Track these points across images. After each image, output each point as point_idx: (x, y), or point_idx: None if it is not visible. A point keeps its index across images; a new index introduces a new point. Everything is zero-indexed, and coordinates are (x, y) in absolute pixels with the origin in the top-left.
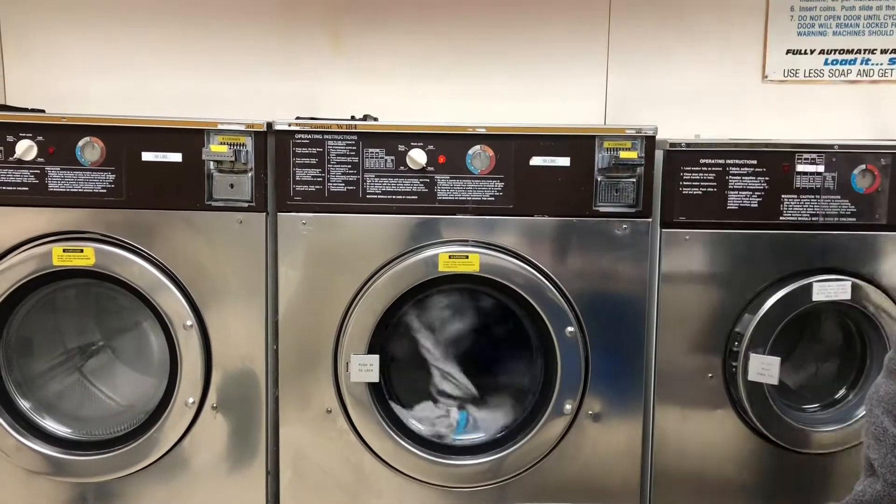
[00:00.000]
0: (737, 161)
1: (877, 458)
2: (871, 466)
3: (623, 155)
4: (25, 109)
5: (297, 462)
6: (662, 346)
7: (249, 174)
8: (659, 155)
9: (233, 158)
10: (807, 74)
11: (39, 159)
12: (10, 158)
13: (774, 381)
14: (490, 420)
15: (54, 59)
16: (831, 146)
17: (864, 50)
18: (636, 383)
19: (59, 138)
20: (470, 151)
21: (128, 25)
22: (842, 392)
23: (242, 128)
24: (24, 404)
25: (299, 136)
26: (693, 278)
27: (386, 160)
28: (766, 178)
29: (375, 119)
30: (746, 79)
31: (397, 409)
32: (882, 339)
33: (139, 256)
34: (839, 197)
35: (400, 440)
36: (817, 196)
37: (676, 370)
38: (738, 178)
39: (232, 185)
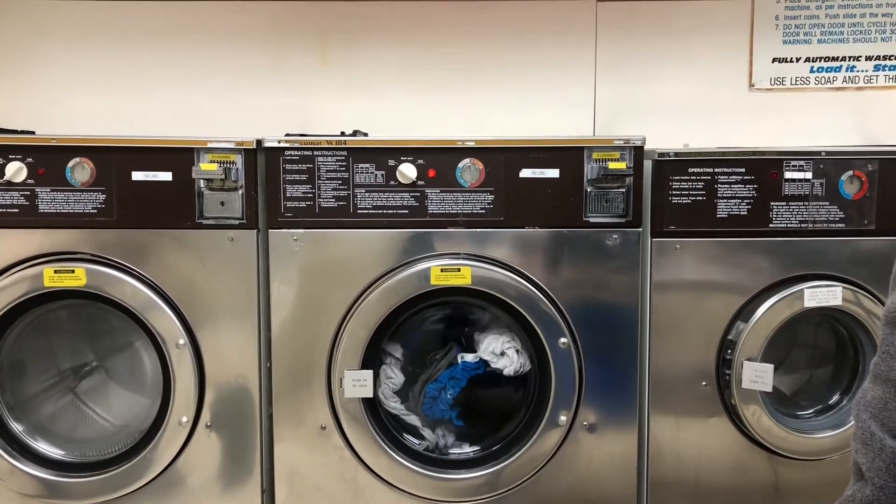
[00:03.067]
0: (725, 169)
1: (865, 462)
2: (860, 471)
3: (612, 165)
4: (15, 131)
5: (292, 479)
6: (656, 355)
7: (240, 192)
8: (648, 165)
9: (223, 176)
10: (793, 82)
11: (29, 181)
12: (0, 181)
13: (768, 389)
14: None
15: (43, 80)
16: (819, 153)
17: (849, 57)
18: (630, 393)
19: (48, 160)
20: (460, 165)
21: (117, 45)
22: (836, 398)
23: (232, 145)
24: (17, 427)
25: (289, 152)
26: (684, 287)
27: (376, 175)
28: (755, 186)
29: (365, 134)
30: (733, 88)
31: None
32: (873, 343)
33: (130, 276)
34: (828, 203)
35: (395, 455)
36: (806, 203)
37: (670, 379)
38: (727, 186)
39: (223, 203)
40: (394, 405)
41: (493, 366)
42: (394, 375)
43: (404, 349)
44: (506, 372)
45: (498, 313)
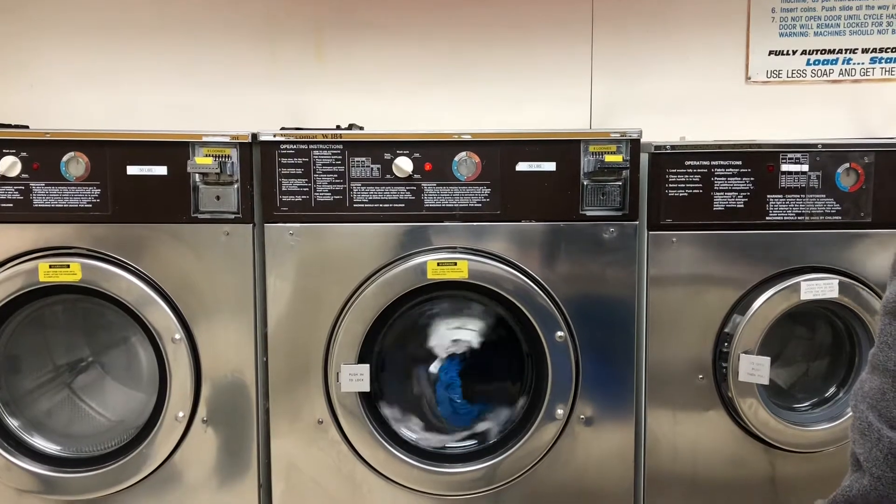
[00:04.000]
0: (722, 162)
1: (862, 452)
2: (858, 462)
3: (608, 158)
4: (9, 125)
5: (289, 474)
6: (652, 348)
7: (235, 186)
8: (644, 158)
9: (218, 170)
10: (789, 75)
11: (24, 175)
12: None
13: (765, 381)
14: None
15: (38, 74)
16: (815, 145)
17: (846, 49)
18: (627, 386)
19: (43, 154)
20: (456, 158)
21: (112, 39)
22: (832, 390)
23: (227, 139)
24: (13, 423)
25: (284, 146)
26: (681, 280)
27: (372, 169)
28: (752, 179)
29: (361, 128)
30: (730, 81)
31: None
32: (870, 335)
33: (126, 271)
34: (824, 195)
35: (392, 449)
36: (802, 195)
37: (667, 372)
38: (724, 179)
39: (218, 197)
40: (438, 442)
41: (458, 354)
42: (416, 431)
43: (401, 407)
44: (476, 344)
45: (493, 306)
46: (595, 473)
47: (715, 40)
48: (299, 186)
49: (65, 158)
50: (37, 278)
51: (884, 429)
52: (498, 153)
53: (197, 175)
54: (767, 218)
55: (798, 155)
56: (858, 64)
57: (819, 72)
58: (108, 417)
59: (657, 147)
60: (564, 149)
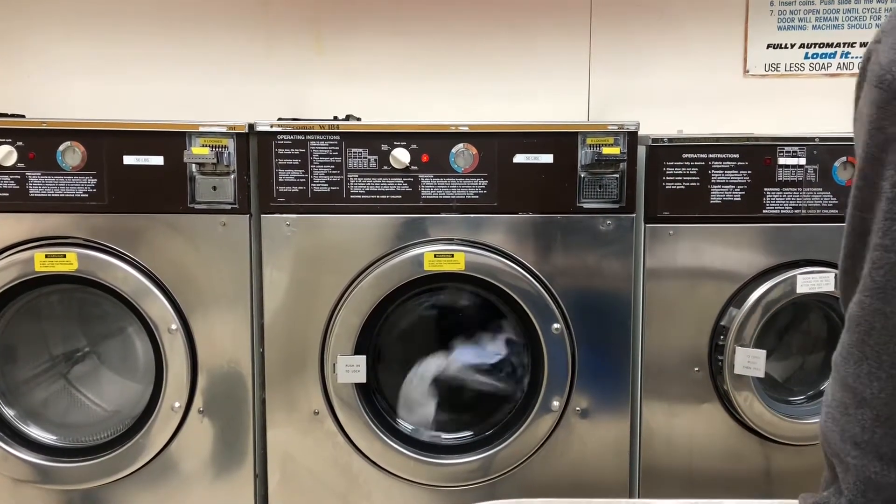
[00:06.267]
0: (719, 155)
1: (837, 468)
2: (833, 467)
3: (606, 151)
4: (5, 115)
5: (285, 465)
6: (648, 341)
7: (232, 176)
8: (642, 151)
9: (215, 160)
10: (788, 69)
11: (20, 165)
12: None
13: (760, 374)
14: None
15: (34, 63)
16: (812, 139)
17: (844, 43)
18: (623, 379)
19: (39, 143)
20: (453, 150)
21: (109, 29)
22: (827, 383)
23: (224, 129)
24: (9, 412)
25: (281, 137)
26: (678, 273)
27: (369, 160)
28: (749, 172)
29: (358, 119)
30: (728, 74)
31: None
32: None
33: (122, 261)
34: (821, 189)
35: (388, 440)
36: (799, 189)
37: (663, 365)
38: (721, 172)
39: (214, 188)
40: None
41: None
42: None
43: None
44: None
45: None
46: (591, 465)
47: (713, 33)
48: (296, 177)
49: (61, 148)
50: (33, 268)
51: (851, 452)
52: (495, 145)
53: (193, 165)
54: (764, 211)
55: (795, 148)
56: (856, 58)
57: (817, 65)
58: (104, 407)
59: (654, 140)
60: (562, 141)
